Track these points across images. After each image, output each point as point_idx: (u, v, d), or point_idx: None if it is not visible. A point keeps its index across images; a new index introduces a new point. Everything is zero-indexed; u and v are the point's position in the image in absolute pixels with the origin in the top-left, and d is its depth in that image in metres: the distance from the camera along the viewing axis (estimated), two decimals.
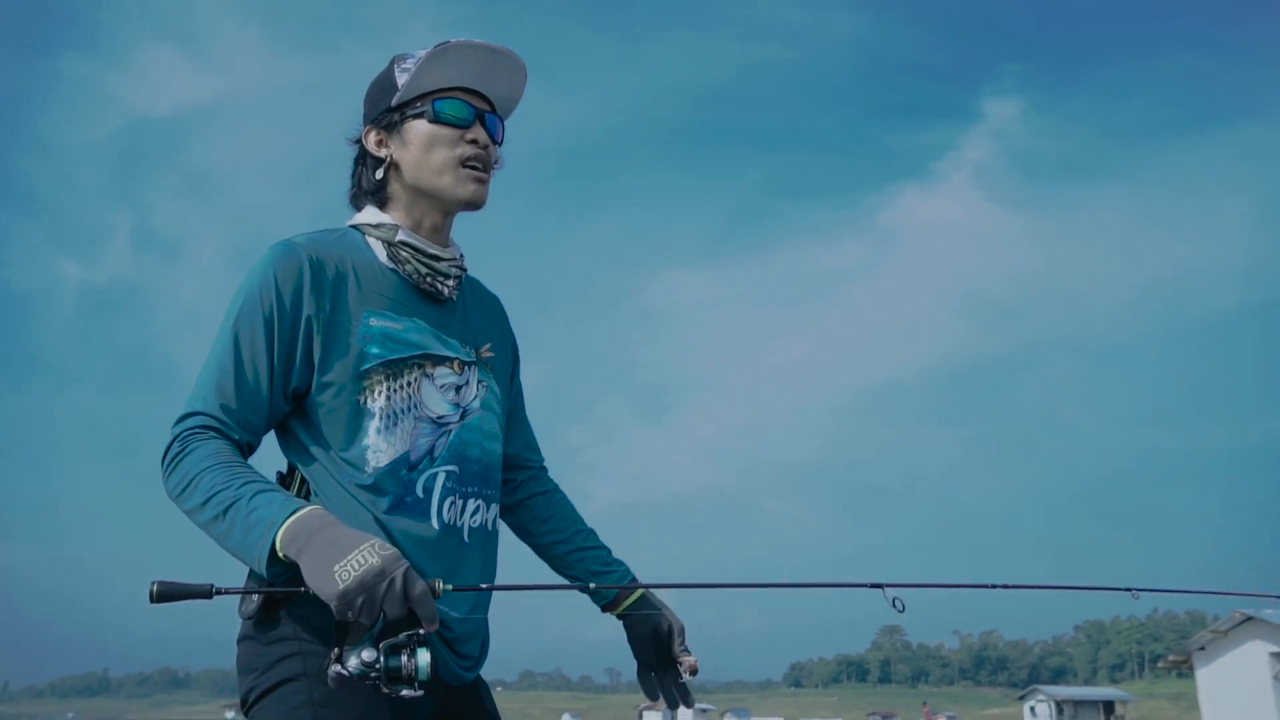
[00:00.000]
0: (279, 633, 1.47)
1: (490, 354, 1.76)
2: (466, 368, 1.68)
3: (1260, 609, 22.03)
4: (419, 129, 1.66)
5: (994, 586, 1.90)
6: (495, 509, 1.70)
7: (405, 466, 1.55)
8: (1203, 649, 23.62)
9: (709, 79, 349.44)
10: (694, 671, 1.79)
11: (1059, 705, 70.08)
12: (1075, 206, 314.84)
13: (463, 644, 1.59)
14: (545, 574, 1.90)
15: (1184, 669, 25.13)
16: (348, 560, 1.29)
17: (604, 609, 1.85)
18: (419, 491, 1.56)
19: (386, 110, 1.68)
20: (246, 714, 1.47)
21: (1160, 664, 26.67)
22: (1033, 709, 72.88)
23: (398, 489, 1.54)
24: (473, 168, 1.67)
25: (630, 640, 1.84)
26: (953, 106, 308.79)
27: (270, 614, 1.48)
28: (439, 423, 1.61)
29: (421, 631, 1.33)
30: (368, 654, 1.30)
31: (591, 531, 1.92)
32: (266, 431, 1.59)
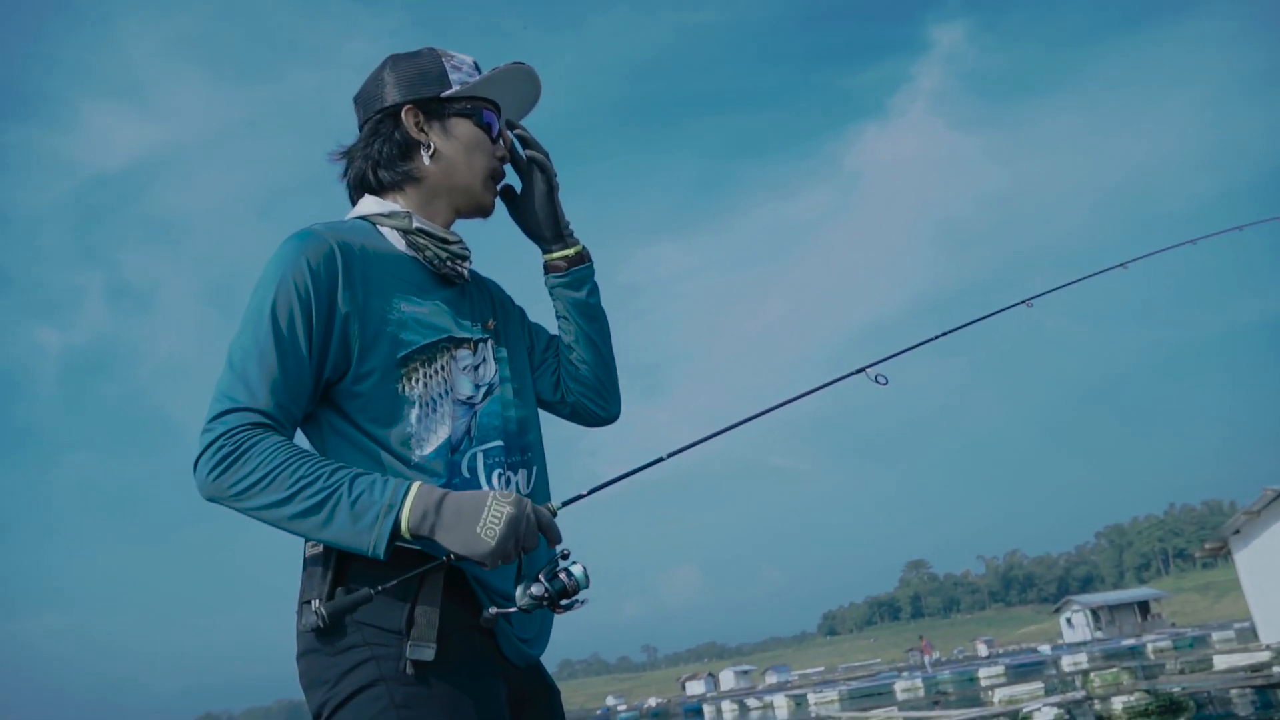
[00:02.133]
0: (347, 641, 1.43)
1: (493, 324, 1.76)
2: (480, 345, 1.68)
3: None
4: (466, 129, 1.70)
5: (945, 334, 2.06)
6: (535, 470, 1.70)
7: (449, 449, 1.56)
8: (1238, 532, 23.61)
9: (648, 51, 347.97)
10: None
11: (1094, 612, 70.64)
12: (1033, 119, 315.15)
13: (524, 624, 1.61)
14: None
15: (1222, 555, 25.12)
16: (485, 519, 1.38)
17: (558, 268, 1.85)
18: (465, 472, 1.56)
19: (433, 98, 1.69)
20: None
21: (1198, 553, 26.63)
22: (1069, 620, 73.47)
23: (446, 473, 1.53)
24: (498, 179, 1.77)
25: (523, 214, 1.84)
26: (899, 39, 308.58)
27: (334, 623, 1.43)
28: (468, 403, 1.61)
29: (565, 551, 1.46)
30: (536, 588, 1.43)
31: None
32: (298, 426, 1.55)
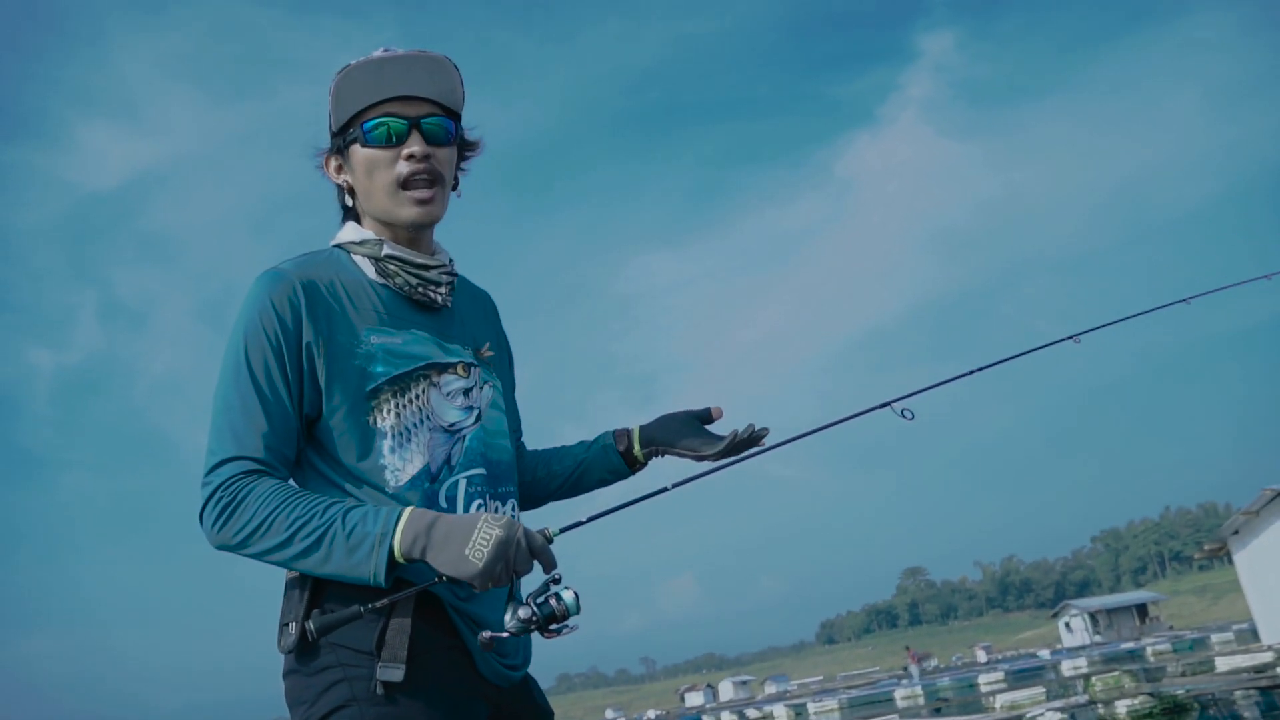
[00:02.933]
0: (321, 662, 1.47)
1: (490, 353, 1.76)
2: (471, 370, 1.67)
3: None
4: (358, 155, 1.65)
5: (981, 370, 2.01)
6: (515, 505, 1.70)
7: (427, 479, 1.56)
8: (1236, 533, 23.53)
9: (642, 63, 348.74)
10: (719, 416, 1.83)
11: (1092, 616, 70.53)
12: (1025, 126, 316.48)
13: (505, 644, 1.61)
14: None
15: (1221, 556, 25.04)
16: (474, 541, 1.39)
17: (629, 462, 1.86)
18: (442, 501, 1.56)
19: (333, 136, 1.69)
20: None
21: (1196, 555, 26.53)
22: (1067, 624, 73.36)
23: (423, 503, 1.54)
24: (416, 184, 1.63)
25: (666, 441, 1.82)
26: (888, 48, 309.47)
27: (310, 645, 1.48)
28: (452, 430, 1.61)
29: (556, 577, 1.46)
30: (524, 611, 1.44)
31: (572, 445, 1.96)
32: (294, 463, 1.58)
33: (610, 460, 1.87)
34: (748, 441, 1.78)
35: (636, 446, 1.84)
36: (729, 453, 1.77)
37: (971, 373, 2.02)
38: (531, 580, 1.52)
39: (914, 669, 53.86)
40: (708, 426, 1.83)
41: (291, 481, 1.55)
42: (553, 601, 1.44)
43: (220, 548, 1.46)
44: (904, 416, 1.78)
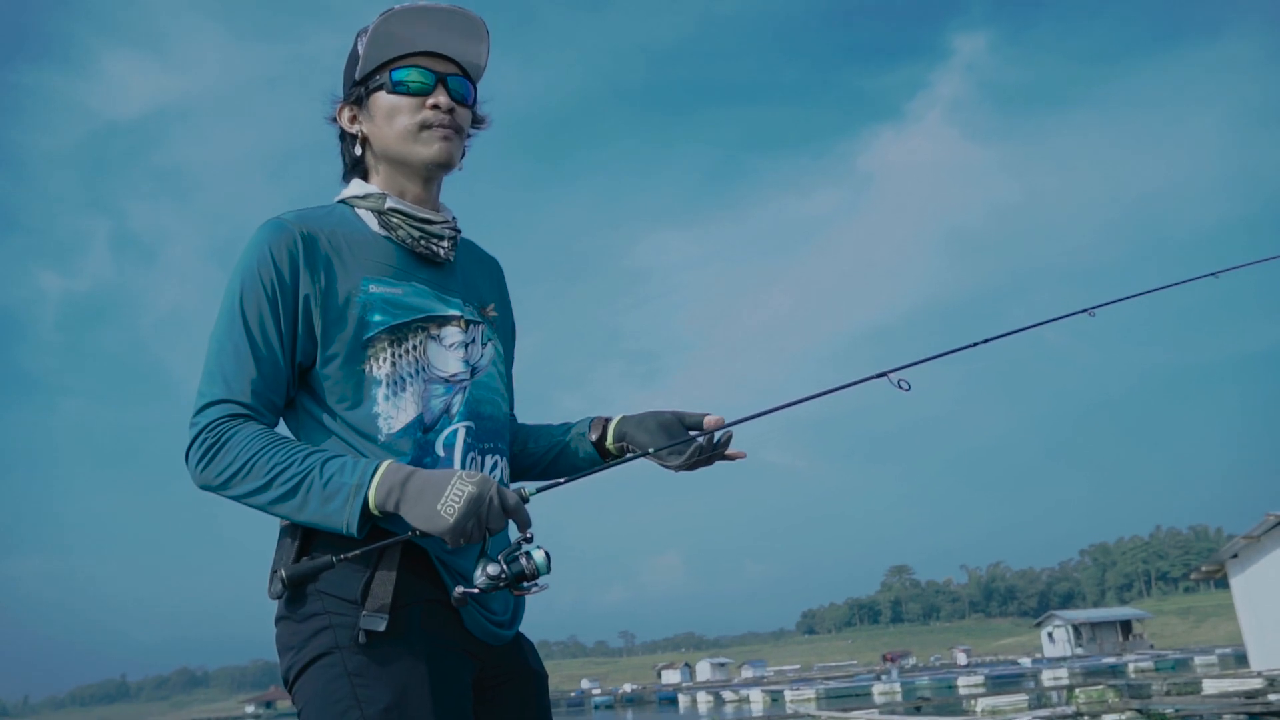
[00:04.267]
0: (308, 609, 1.49)
1: (494, 313, 1.77)
2: (472, 326, 1.69)
3: None
4: (381, 101, 1.67)
5: (982, 342, 2.00)
6: (507, 463, 1.72)
7: (420, 429, 1.57)
8: (1235, 556, 23.22)
9: (672, 37, 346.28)
10: (720, 426, 1.74)
11: (1076, 629, 70.60)
12: (1050, 134, 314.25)
13: (489, 599, 1.60)
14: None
15: (1211, 579, 24.76)
16: (447, 496, 1.41)
17: (601, 453, 1.82)
18: (439, 450, 1.58)
19: (354, 85, 1.70)
20: (289, 691, 1.51)
21: (1194, 575, 26.23)
22: (1050, 634, 73.45)
23: (415, 451, 1.55)
24: (439, 126, 1.66)
25: (639, 439, 1.77)
26: (921, 44, 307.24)
27: (298, 592, 1.50)
28: (452, 381, 1.62)
29: (528, 536, 1.46)
30: (492, 568, 1.45)
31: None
32: (282, 410, 1.61)
33: (584, 448, 1.83)
34: (712, 453, 1.74)
35: (610, 439, 1.80)
36: (694, 465, 1.73)
37: (974, 345, 1.98)
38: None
39: (891, 668, 53.96)
40: (695, 431, 1.75)
41: (282, 428, 1.59)
42: (523, 559, 1.44)
43: (203, 488, 1.49)
44: (900, 387, 1.75)
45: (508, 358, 1.83)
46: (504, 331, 1.81)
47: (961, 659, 79.70)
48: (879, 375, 1.77)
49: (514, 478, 1.85)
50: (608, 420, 1.83)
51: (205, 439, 1.47)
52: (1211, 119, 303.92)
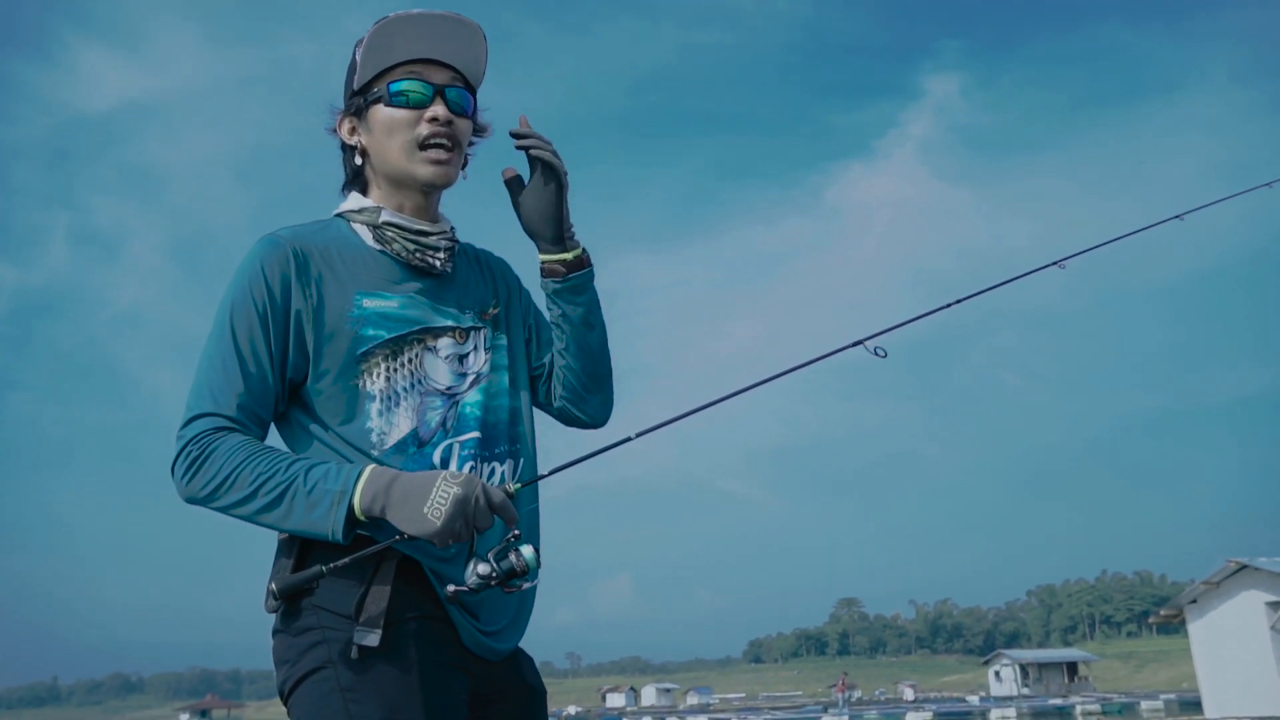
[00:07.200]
0: (303, 623, 1.49)
1: (495, 311, 1.75)
2: (471, 334, 1.68)
3: (1254, 557, 21.50)
4: (378, 115, 1.66)
5: (956, 303, 2.00)
6: (517, 463, 1.68)
7: (414, 444, 1.56)
8: (1194, 602, 23.00)
9: (650, 64, 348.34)
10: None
11: (1023, 668, 70.63)
12: (1018, 178, 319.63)
13: (483, 609, 1.58)
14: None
15: (1175, 624, 24.54)
16: (432, 499, 1.41)
17: (570, 267, 1.74)
18: (436, 464, 1.57)
19: (352, 96, 1.69)
20: (285, 704, 1.51)
21: (1151, 619, 26.04)
22: (997, 673, 73.43)
23: (408, 466, 1.54)
24: (435, 146, 1.65)
25: (534, 231, 1.74)
26: (893, 84, 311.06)
27: (294, 605, 1.51)
28: (448, 394, 1.61)
29: (516, 533, 1.47)
30: (483, 567, 1.45)
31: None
32: (270, 425, 1.61)
33: (557, 296, 1.74)
34: (529, 139, 1.68)
35: (550, 258, 1.72)
36: (536, 161, 1.68)
37: (949, 305, 1.96)
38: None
39: (841, 697, 53.44)
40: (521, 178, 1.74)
41: (279, 442, 1.59)
42: (512, 557, 1.45)
43: (189, 500, 1.48)
44: (876, 354, 1.77)
45: (521, 348, 1.78)
46: (514, 323, 1.78)
47: (908, 694, 79.41)
48: (856, 344, 1.77)
49: (589, 391, 1.80)
50: (539, 257, 1.73)
51: (190, 451, 1.47)
52: (1177, 172, 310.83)
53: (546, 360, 1.84)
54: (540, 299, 1.81)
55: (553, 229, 1.70)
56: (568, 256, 1.71)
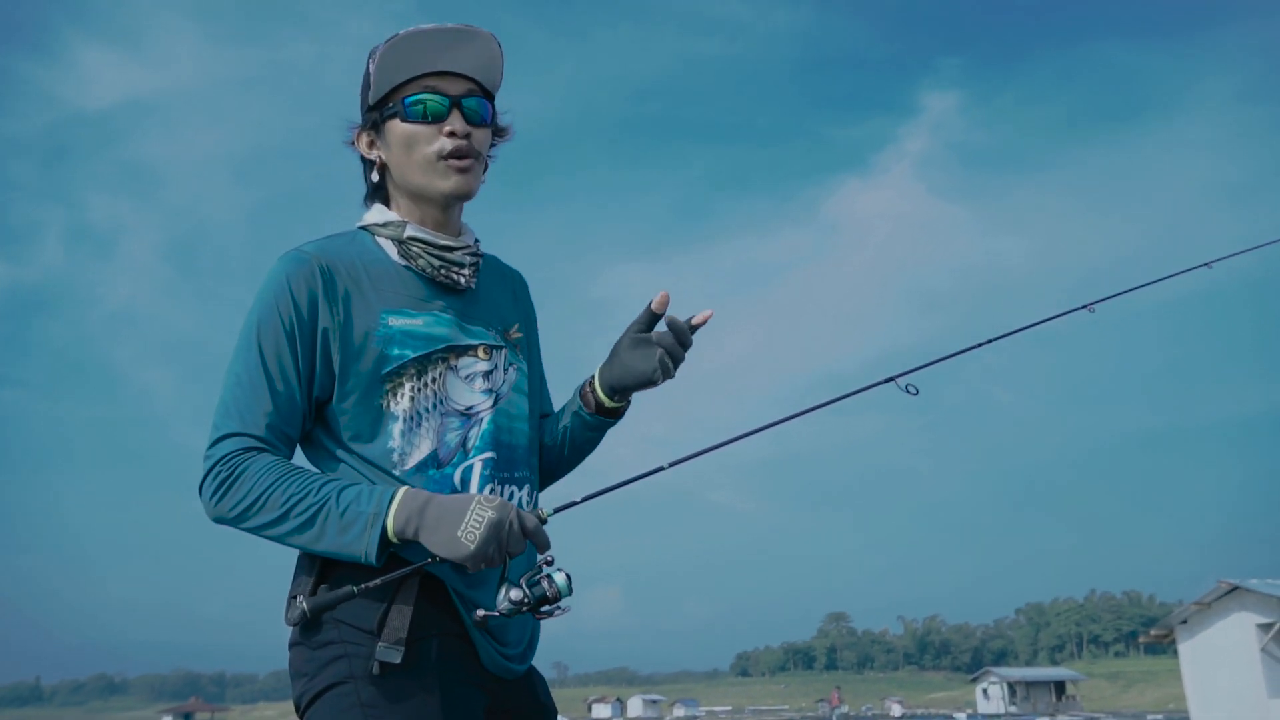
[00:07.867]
0: (324, 637, 1.49)
1: (519, 334, 1.75)
2: (495, 352, 1.67)
3: (1246, 578, 21.47)
4: (396, 130, 1.65)
5: (988, 342, 2.02)
6: (532, 489, 1.69)
7: (434, 465, 1.56)
8: (1185, 622, 22.98)
9: (650, 73, 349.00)
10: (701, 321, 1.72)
11: (1011, 686, 70.52)
12: (1015, 196, 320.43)
13: (503, 632, 1.59)
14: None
15: (1165, 643, 24.50)
16: (467, 522, 1.41)
17: (606, 413, 1.78)
18: (456, 484, 1.57)
19: (369, 110, 1.68)
20: (301, 717, 1.51)
21: (1141, 639, 26.00)
22: (985, 691, 73.31)
23: (428, 486, 1.53)
24: (457, 157, 1.64)
25: (623, 385, 1.72)
26: (892, 100, 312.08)
27: (315, 619, 1.50)
28: (468, 414, 1.60)
29: (549, 558, 1.48)
30: (515, 593, 1.45)
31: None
32: (297, 444, 1.61)
33: (585, 422, 1.78)
34: (678, 341, 1.68)
35: (604, 399, 1.74)
36: (674, 362, 1.68)
37: (980, 345, 1.98)
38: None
39: (833, 711, 53.31)
40: (657, 327, 1.71)
41: (302, 461, 1.58)
42: (544, 583, 1.45)
43: (217, 520, 1.48)
44: (908, 391, 1.77)
45: (536, 376, 1.79)
46: (531, 350, 1.79)
47: (895, 710, 79.31)
48: (887, 380, 1.76)
49: (542, 476, 1.80)
50: (590, 381, 1.75)
51: (220, 472, 1.46)
52: (1173, 193, 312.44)
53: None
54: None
55: (629, 391, 1.73)
56: (619, 406, 1.76)
